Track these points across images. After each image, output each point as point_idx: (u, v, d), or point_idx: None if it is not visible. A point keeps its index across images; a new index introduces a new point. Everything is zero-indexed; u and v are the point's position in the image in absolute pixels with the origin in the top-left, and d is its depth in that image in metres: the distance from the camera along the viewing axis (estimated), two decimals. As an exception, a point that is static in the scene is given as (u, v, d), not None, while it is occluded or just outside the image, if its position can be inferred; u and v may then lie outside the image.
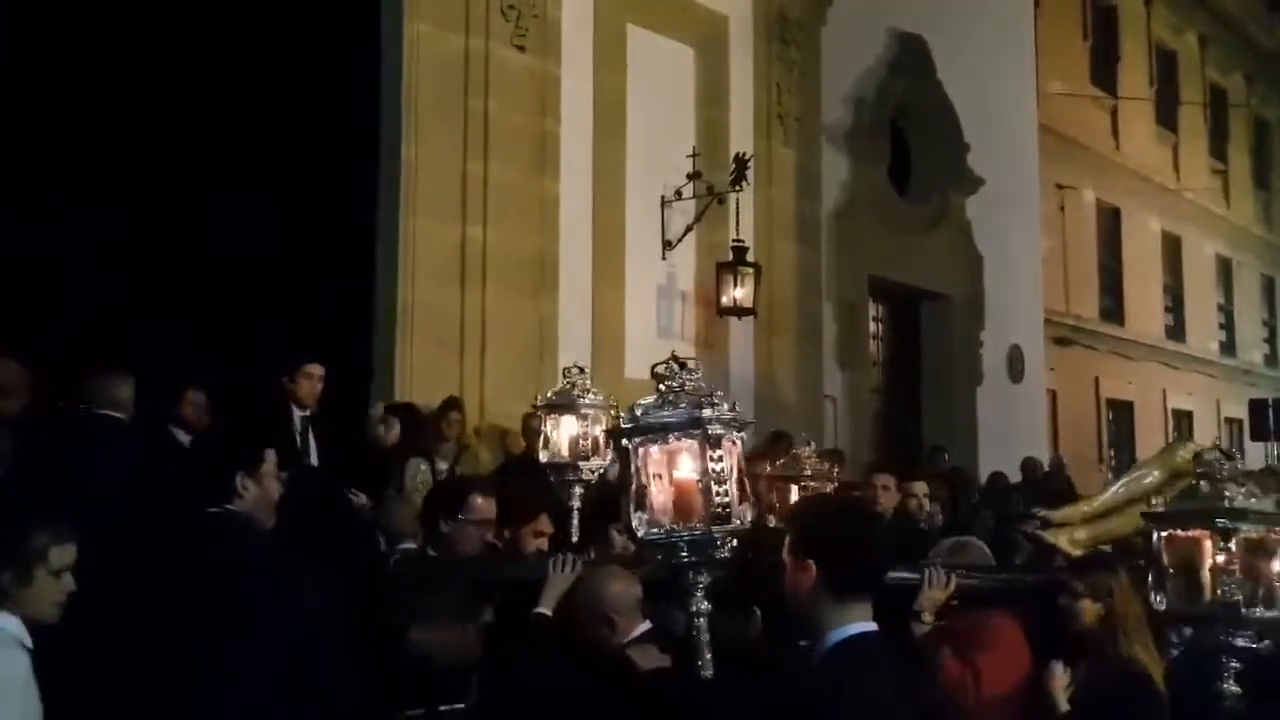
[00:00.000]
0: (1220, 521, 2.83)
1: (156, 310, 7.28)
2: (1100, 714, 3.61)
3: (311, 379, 6.31)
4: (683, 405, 2.52)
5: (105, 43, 7.72)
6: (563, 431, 4.38)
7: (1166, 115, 20.69)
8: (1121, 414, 18.70)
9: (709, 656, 2.53)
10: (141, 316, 7.05)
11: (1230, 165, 22.80)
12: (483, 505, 4.14)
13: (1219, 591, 2.90)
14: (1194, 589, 2.84)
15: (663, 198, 9.35)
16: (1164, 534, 2.92)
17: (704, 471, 2.49)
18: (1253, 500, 2.85)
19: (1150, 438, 18.86)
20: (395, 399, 7.49)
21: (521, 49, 8.34)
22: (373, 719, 3.14)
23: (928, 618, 3.90)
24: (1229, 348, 22.61)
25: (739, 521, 2.53)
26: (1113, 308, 18.87)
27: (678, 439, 2.53)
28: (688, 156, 9.37)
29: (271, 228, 7.82)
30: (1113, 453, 18.02)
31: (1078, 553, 5.66)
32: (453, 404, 7.14)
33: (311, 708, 2.93)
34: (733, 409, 2.57)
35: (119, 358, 5.62)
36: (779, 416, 9.90)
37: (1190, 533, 2.93)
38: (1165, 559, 2.86)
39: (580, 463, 4.25)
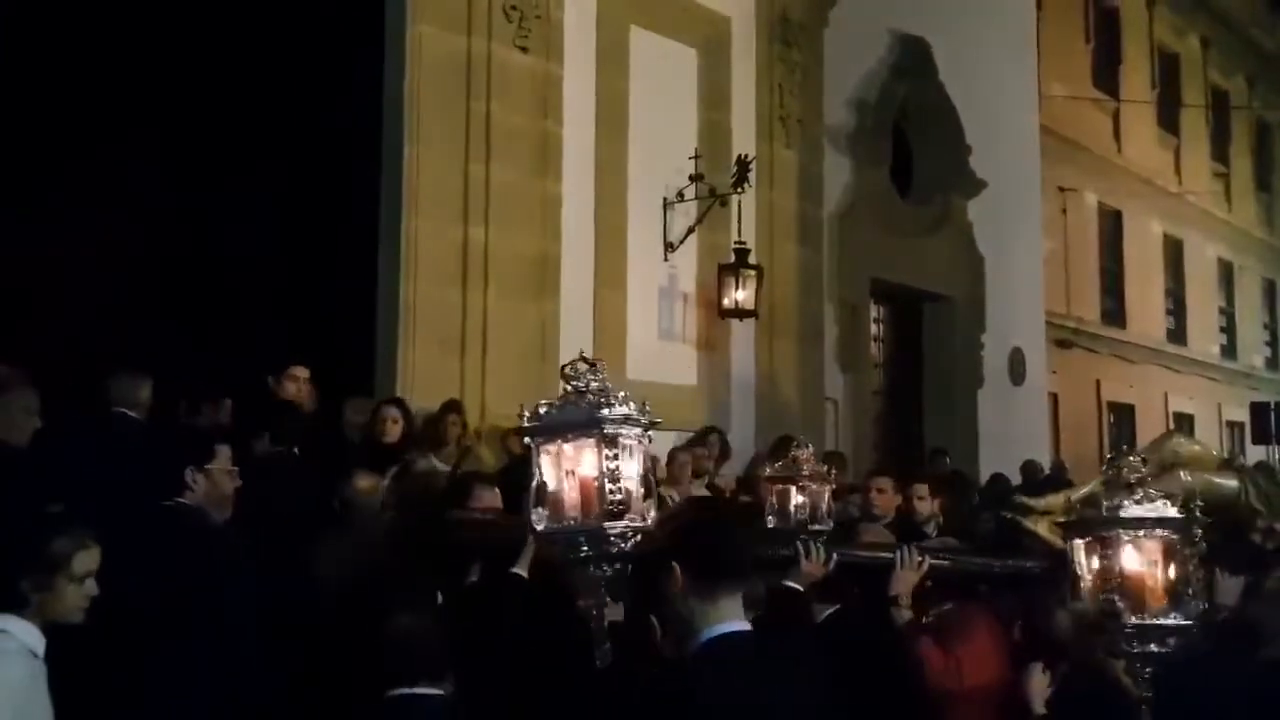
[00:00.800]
0: (1100, 527, 2.86)
1: (157, 310, 7.27)
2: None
3: (297, 381, 6.29)
4: (584, 405, 2.67)
5: (106, 43, 7.73)
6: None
7: (1168, 118, 20.68)
8: (1123, 417, 18.69)
9: (607, 646, 2.61)
10: (141, 316, 7.05)
11: (1232, 168, 22.79)
12: (488, 496, 4.34)
13: (1100, 599, 2.94)
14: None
15: (664, 199, 9.34)
16: (1080, 541, 2.96)
17: (600, 469, 2.57)
18: (1141, 506, 2.83)
19: (1151, 441, 18.86)
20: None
21: (524, 50, 8.33)
22: (357, 699, 3.19)
23: (905, 602, 3.95)
24: (1230, 351, 22.60)
25: (638, 518, 2.58)
26: (1114, 310, 18.87)
27: (580, 438, 2.65)
28: (689, 158, 9.36)
29: (273, 228, 7.83)
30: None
31: (1061, 543, 5.70)
32: (452, 406, 7.12)
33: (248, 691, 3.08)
34: (639, 409, 2.71)
35: (117, 357, 5.61)
36: (780, 418, 9.91)
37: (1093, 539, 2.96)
38: (1080, 565, 2.89)
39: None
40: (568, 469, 2.63)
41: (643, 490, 2.65)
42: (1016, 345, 13.89)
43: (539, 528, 2.65)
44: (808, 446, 5.05)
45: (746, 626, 2.49)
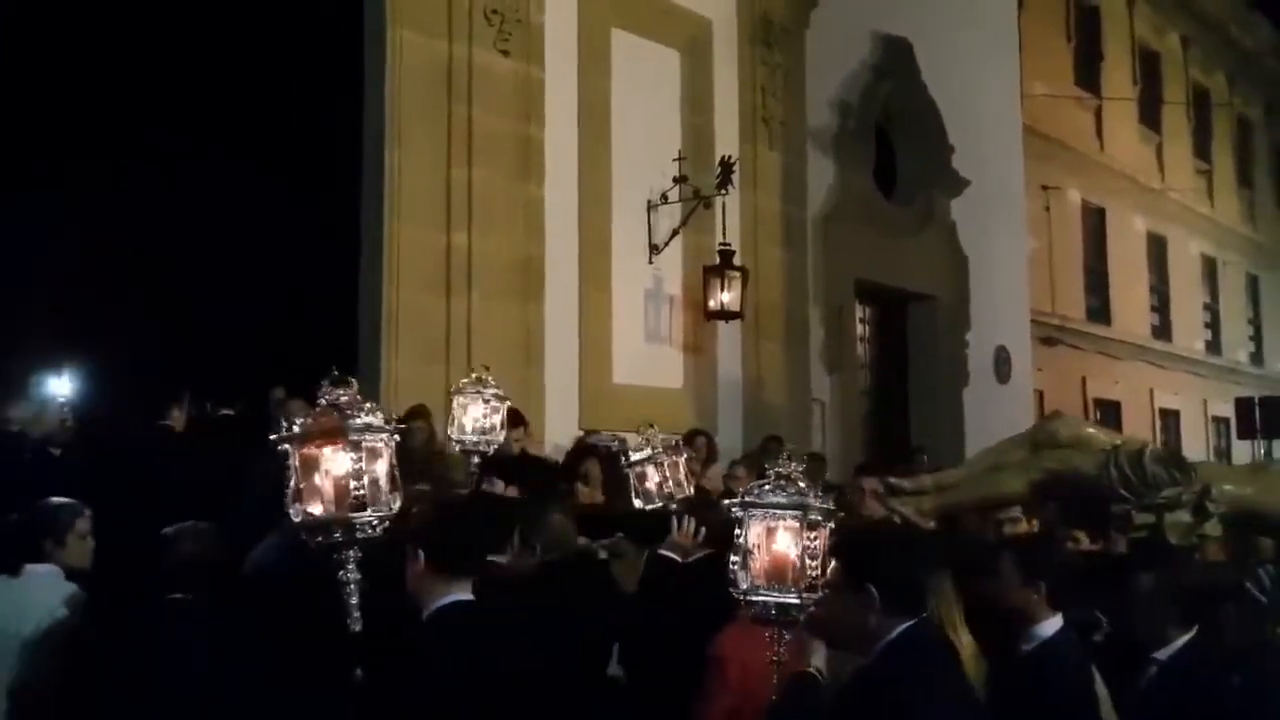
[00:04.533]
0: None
1: (136, 315, 7.24)
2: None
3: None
4: (334, 415, 3.18)
5: (88, 49, 7.69)
6: (469, 415, 5.52)
7: (1150, 115, 20.77)
8: (1109, 414, 18.73)
9: (357, 615, 3.13)
10: (120, 321, 7.01)
11: (1214, 164, 22.90)
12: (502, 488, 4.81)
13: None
14: (778, 572, 3.10)
15: (649, 202, 9.34)
16: (751, 518, 3.17)
17: (345, 470, 3.12)
18: (775, 494, 3.11)
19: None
20: (381, 405, 7.44)
21: (505, 54, 8.31)
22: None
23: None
24: (1215, 347, 22.69)
25: (384, 508, 3.13)
26: (1099, 308, 18.92)
27: (329, 443, 3.17)
28: (673, 160, 9.36)
29: (254, 233, 7.79)
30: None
31: (930, 522, 5.74)
32: (418, 412, 6.91)
33: None
34: (384, 420, 3.21)
35: (97, 361, 5.62)
36: (767, 420, 9.90)
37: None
38: (749, 542, 3.14)
39: (481, 438, 5.46)
40: (325, 469, 3.15)
41: (389, 485, 3.19)
42: (1001, 344, 13.92)
43: (298, 520, 3.19)
44: (652, 426, 5.36)
45: (469, 598, 3.13)
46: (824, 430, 11.06)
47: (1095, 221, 19.08)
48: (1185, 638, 3.75)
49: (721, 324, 9.68)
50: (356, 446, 3.16)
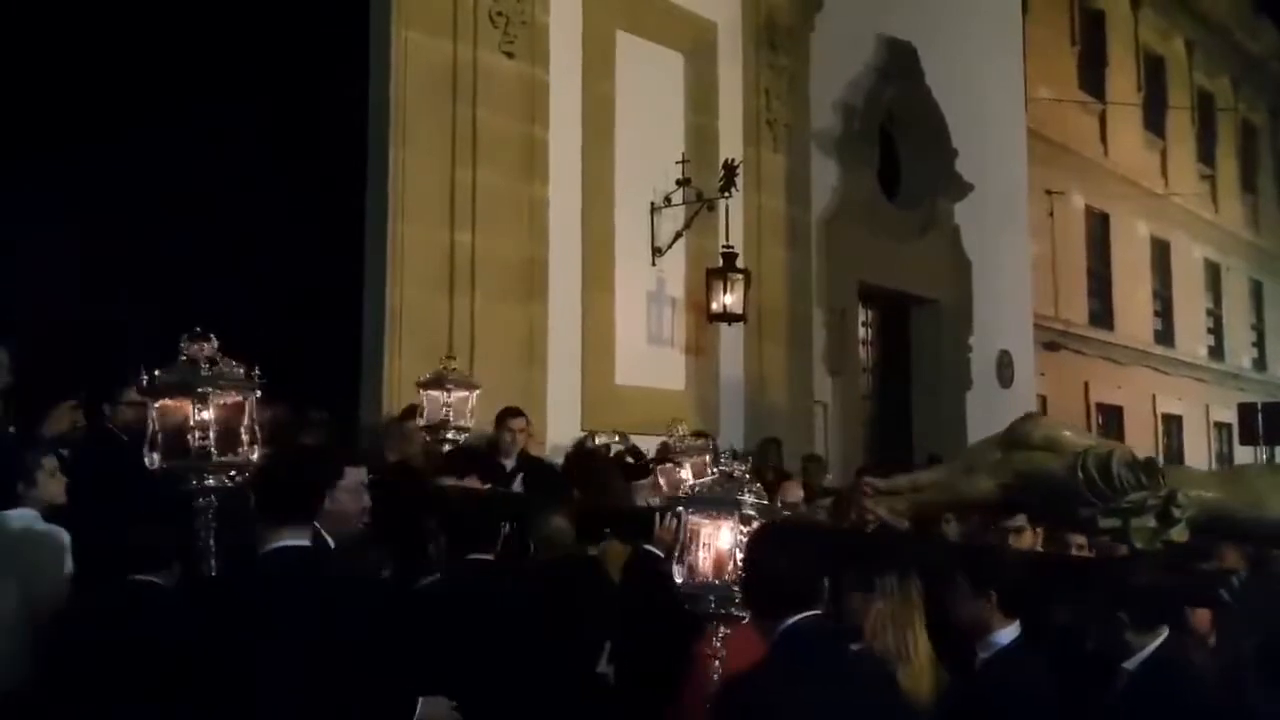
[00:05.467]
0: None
1: (139, 315, 7.24)
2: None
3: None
4: (187, 374, 3.51)
5: (91, 45, 7.70)
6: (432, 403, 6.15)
7: (1154, 120, 20.76)
8: (1111, 419, 18.73)
9: (212, 561, 3.39)
10: (121, 320, 7.02)
11: (1218, 169, 22.87)
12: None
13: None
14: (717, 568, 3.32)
15: (652, 204, 9.35)
16: (691, 515, 3.35)
17: (193, 421, 3.48)
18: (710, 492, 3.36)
19: (1140, 442, 18.86)
20: (383, 406, 7.46)
21: (510, 55, 8.33)
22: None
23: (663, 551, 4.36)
24: (1218, 352, 22.67)
25: (242, 462, 3.45)
26: (1102, 312, 18.91)
27: (184, 399, 3.50)
28: (677, 163, 9.37)
29: (259, 233, 7.79)
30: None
31: (904, 523, 5.74)
32: (415, 411, 6.99)
33: None
34: (236, 376, 3.54)
35: (98, 359, 5.63)
36: (769, 422, 9.91)
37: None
38: (685, 536, 3.33)
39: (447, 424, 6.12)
40: (180, 420, 3.48)
41: (247, 438, 3.48)
42: (1004, 348, 13.92)
43: (157, 467, 3.47)
44: (681, 422, 5.94)
45: (305, 543, 3.26)
46: (826, 433, 11.07)
47: (1099, 226, 19.07)
48: (1153, 645, 3.67)
49: (724, 326, 9.69)
50: (204, 399, 3.43)
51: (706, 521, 3.31)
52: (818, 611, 2.98)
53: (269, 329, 7.49)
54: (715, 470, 4.25)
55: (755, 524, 3.25)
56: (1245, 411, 19.05)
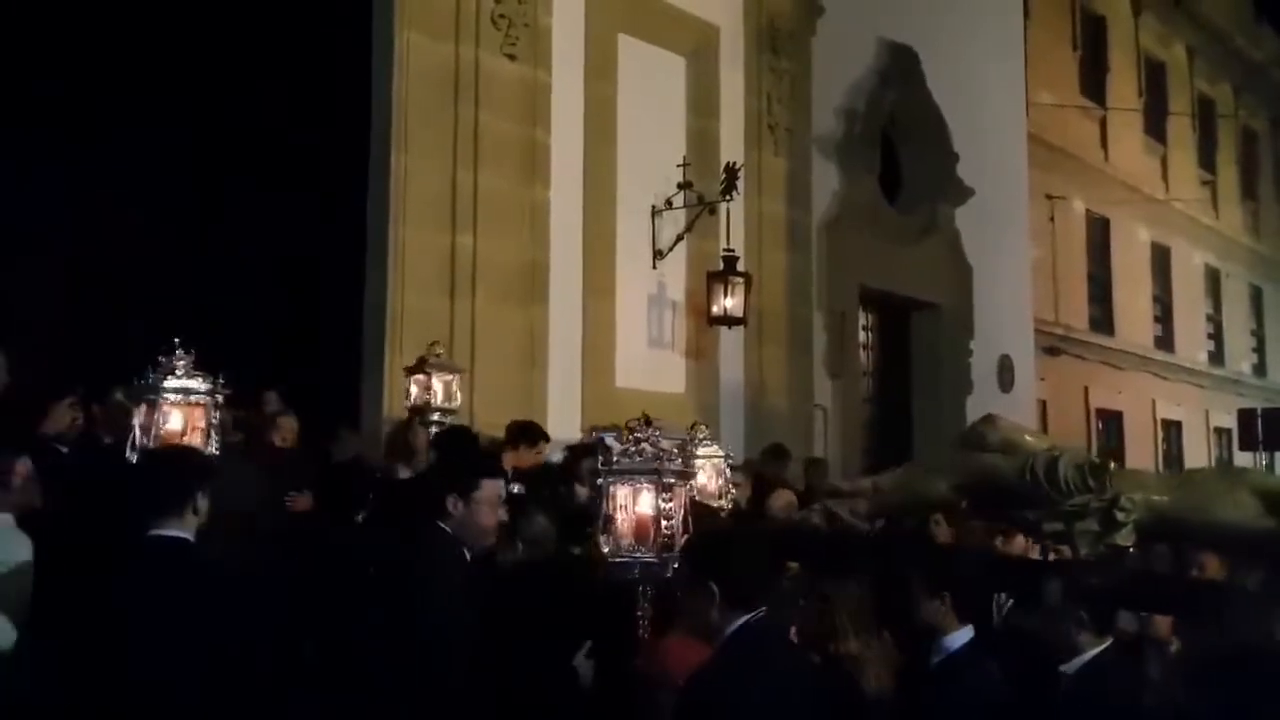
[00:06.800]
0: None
1: (140, 320, 7.24)
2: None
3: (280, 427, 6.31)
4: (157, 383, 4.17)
5: (93, 47, 7.70)
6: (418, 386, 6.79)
7: (1155, 126, 20.78)
8: (1111, 424, 18.73)
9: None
10: (123, 324, 7.02)
11: (1218, 175, 22.89)
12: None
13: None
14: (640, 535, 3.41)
15: (653, 207, 9.35)
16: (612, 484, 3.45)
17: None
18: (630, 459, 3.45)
19: (1140, 447, 18.91)
20: (384, 408, 7.46)
21: (512, 58, 8.33)
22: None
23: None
24: (1218, 358, 22.67)
25: None
26: (1102, 318, 18.91)
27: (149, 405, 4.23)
28: (678, 166, 9.37)
29: (260, 236, 7.80)
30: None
31: (866, 524, 5.77)
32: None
33: None
34: (198, 387, 4.18)
35: (102, 362, 5.62)
36: (769, 425, 9.91)
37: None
38: (612, 508, 3.42)
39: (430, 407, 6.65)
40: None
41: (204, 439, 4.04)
42: (1005, 352, 13.92)
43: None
44: (703, 425, 5.84)
45: (186, 536, 3.52)
46: (826, 436, 11.06)
47: (1099, 231, 19.08)
48: (1094, 651, 3.62)
49: (724, 329, 9.69)
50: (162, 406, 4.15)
51: (628, 490, 3.39)
52: (764, 611, 3.03)
53: (270, 331, 7.50)
54: (725, 475, 4.35)
55: (678, 491, 3.34)
56: (1245, 417, 19.04)
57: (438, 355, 6.90)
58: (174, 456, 3.98)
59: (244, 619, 3.52)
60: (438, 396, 6.80)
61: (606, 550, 3.39)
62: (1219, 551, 5.29)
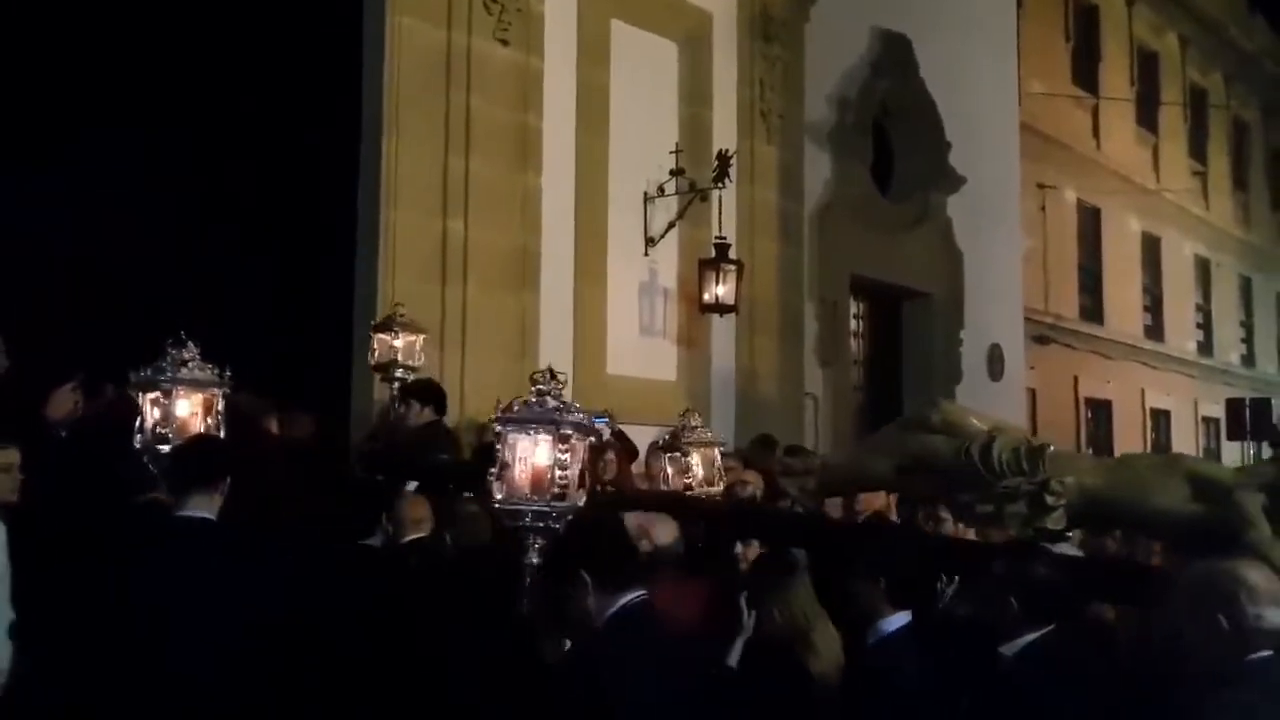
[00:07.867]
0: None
1: (131, 304, 7.21)
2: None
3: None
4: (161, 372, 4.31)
5: (82, 38, 7.66)
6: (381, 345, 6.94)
7: (1147, 115, 20.80)
8: (1100, 413, 18.80)
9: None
10: (113, 309, 6.99)
11: (1209, 166, 22.93)
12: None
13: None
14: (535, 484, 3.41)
15: (645, 194, 9.33)
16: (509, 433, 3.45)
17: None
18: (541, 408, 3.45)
19: (1129, 437, 18.99)
20: (374, 395, 7.45)
21: (504, 43, 8.30)
22: None
23: None
24: (1207, 348, 22.76)
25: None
26: (1092, 307, 18.97)
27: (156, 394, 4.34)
28: (671, 153, 9.35)
29: (250, 222, 7.76)
30: (1090, 452, 18.10)
31: (813, 501, 5.81)
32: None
33: None
34: (207, 377, 4.30)
35: (92, 351, 5.60)
36: (760, 414, 9.92)
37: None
38: (509, 456, 3.40)
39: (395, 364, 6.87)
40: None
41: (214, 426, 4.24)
42: (995, 341, 13.95)
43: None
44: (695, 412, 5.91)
45: (210, 517, 3.76)
46: (816, 425, 11.08)
47: (1090, 221, 19.12)
48: (1033, 635, 3.50)
49: (716, 317, 9.69)
50: (171, 395, 4.27)
51: (524, 438, 3.39)
52: (642, 594, 3.10)
53: (260, 316, 7.48)
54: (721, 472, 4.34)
55: (576, 445, 3.37)
56: (1233, 406, 19.13)
57: (402, 315, 7.01)
58: (203, 442, 4.20)
59: (269, 595, 3.69)
60: (399, 354, 6.96)
61: (499, 497, 3.37)
62: (1149, 536, 5.31)
